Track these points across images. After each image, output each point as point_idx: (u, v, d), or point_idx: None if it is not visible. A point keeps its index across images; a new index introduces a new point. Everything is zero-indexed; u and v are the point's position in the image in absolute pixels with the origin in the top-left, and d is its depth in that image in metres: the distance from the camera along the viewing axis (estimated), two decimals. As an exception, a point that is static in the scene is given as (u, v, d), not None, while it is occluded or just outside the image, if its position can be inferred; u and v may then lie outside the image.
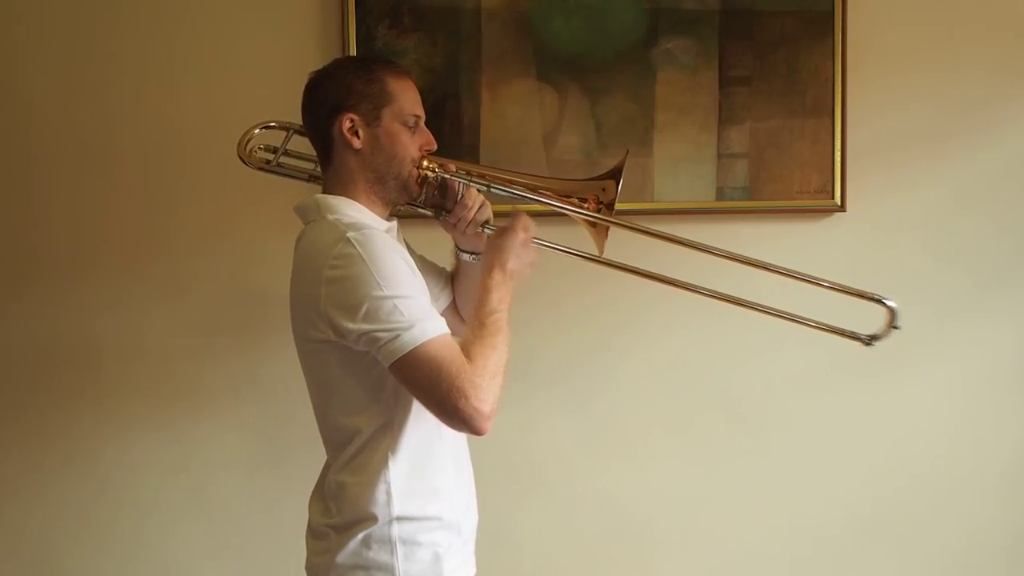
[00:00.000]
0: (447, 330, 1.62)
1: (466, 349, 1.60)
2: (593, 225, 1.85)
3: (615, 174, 1.83)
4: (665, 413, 2.62)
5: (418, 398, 1.62)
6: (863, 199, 2.58)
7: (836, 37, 2.54)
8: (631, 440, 2.61)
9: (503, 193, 1.83)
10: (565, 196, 1.84)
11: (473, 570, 1.83)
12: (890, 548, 2.69)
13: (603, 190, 1.83)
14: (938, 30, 2.60)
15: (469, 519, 1.82)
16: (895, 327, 1.90)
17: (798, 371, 2.62)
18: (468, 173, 1.81)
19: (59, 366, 2.45)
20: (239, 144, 1.98)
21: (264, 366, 2.48)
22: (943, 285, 2.63)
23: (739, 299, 2.00)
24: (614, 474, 2.62)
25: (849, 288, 1.92)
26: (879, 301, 1.90)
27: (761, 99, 2.54)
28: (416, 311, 1.58)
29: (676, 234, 1.89)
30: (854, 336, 1.96)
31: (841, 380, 2.63)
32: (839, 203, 2.56)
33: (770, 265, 1.92)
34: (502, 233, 1.78)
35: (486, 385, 1.57)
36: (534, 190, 1.85)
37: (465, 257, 1.91)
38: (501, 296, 1.70)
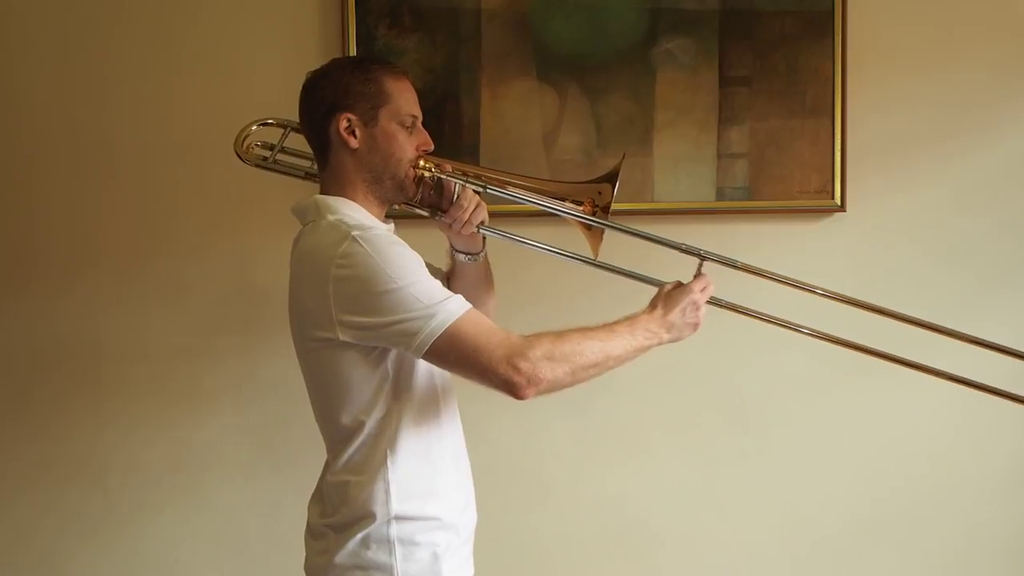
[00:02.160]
0: (469, 304, 1.62)
1: (550, 331, 1.62)
2: (588, 228, 1.84)
3: (611, 178, 1.82)
4: (666, 414, 2.62)
5: (461, 375, 1.63)
6: (863, 199, 2.58)
7: (836, 37, 2.53)
8: (631, 441, 2.61)
9: (499, 194, 1.83)
10: (561, 198, 1.85)
11: (471, 570, 1.83)
12: (890, 548, 2.69)
13: (599, 193, 1.83)
14: (938, 30, 2.60)
15: (468, 519, 1.82)
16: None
17: (798, 372, 2.62)
18: (464, 173, 1.81)
19: (59, 366, 2.46)
20: (236, 140, 1.98)
21: (265, 366, 2.48)
22: (943, 285, 2.62)
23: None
24: (614, 474, 2.62)
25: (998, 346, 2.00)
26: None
27: (761, 99, 2.54)
28: (433, 294, 1.59)
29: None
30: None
31: (841, 380, 2.62)
32: (839, 203, 2.56)
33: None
34: (679, 286, 1.79)
35: (533, 356, 1.57)
36: (530, 191, 1.85)
37: (460, 257, 1.91)
38: (636, 330, 1.70)
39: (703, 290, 1.78)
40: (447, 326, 1.57)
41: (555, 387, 1.60)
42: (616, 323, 1.70)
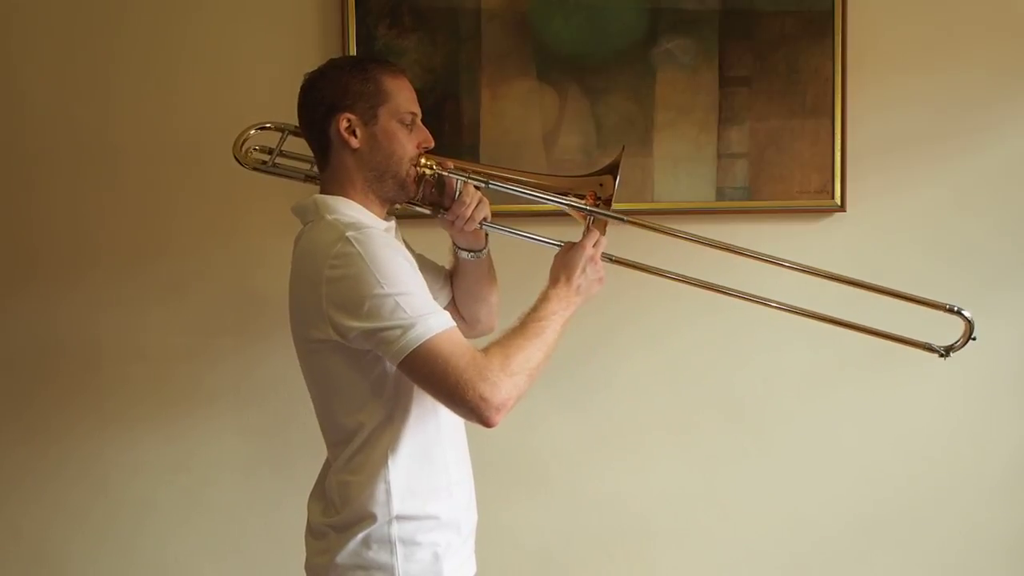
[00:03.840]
0: (452, 323, 1.62)
1: (494, 344, 1.62)
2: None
3: (612, 169, 1.82)
4: (666, 412, 2.62)
5: (428, 393, 1.62)
6: (863, 199, 2.58)
7: (836, 37, 2.53)
8: (632, 439, 2.61)
9: (501, 190, 1.83)
10: (563, 193, 1.85)
11: (473, 569, 1.84)
12: (890, 548, 2.68)
13: (600, 186, 1.83)
14: (938, 30, 2.60)
15: (469, 518, 1.82)
16: (973, 338, 1.89)
17: (799, 370, 2.63)
18: (465, 170, 1.81)
19: (59, 366, 2.46)
20: (235, 144, 1.99)
21: (264, 367, 2.48)
22: (943, 285, 2.60)
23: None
24: (615, 473, 2.62)
25: (921, 299, 1.92)
26: (957, 313, 1.89)
27: (761, 99, 2.54)
28: (418, 307, 1.58)
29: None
30: (929, 348, 1.94)
31: (841, 379, 2.63)
32: (839, 203, 2.56)
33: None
34: (570, 247, 1.79)
35: (496, 378, 1.56)
36: (532, 187, 1.85)
37: (463, 255, 1.91)
38: (556, 308, 1.71)
39: (595, 244, 1.79)
40: (423, 340, 1.56)
41: (517, 401, 1.61)
42: (537, 310, 1.70)
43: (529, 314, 1.70)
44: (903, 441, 2.68)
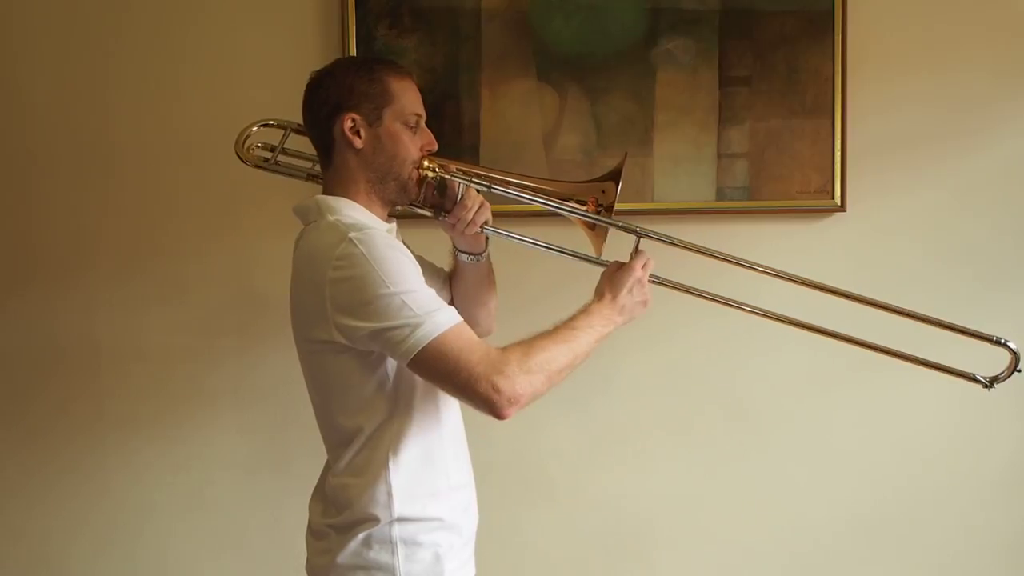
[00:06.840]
0: (460, 318, 1.62)
1: (516, 342, 1.62)
2: (592, 228, 1.85)
3: (614, 176, 1.82)
4: (666, 413, 2.62)
5: (442, 389, 1.63)
6: (863, 199, 2.58)
7: (836, 37, 2.53)
8: (632, 440, 2.61)
9: (503, 194, 1.83)
10: (564, 198, 1.85)
11: (473, 571, 1.83)
12: (890, 548, 2.69)
13: (603, 192, 1.83)
14: (938, 30, 2.60)
15: (469, 520, 1.82)
16: (1018, 370, 1.90)
17: (798, 371, 2.62)
18: (467, 174, 1.81)
19: (59, 367, 2.46)
20: (237, 141, 1.98)
21: (264, 367, 2.48)
22: (943, 285, 2.62)
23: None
24: (615, 474, 2.62)
25: (967, 329, 1.93)
26: (1003, 344, 1.89)
27: (761, 99, 2.54)
28: (425, 304, 1.59)
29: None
30: (973, 379, 1.95)
31: (841, 380, 2.63)
32: (839, 203, 2.56)
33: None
34: (620, 267, 1.79)
35: (511, 372, 1.57)
36: (534, 191, 1.85)
37: (463, 258, 1.90)
38: (594, 322, 1.71)
39: (644, 267, 1.79)
40: (432, 338, 1.56)
41: (533, 399, 1.60)
42: (574, 319, 1.70)
43: (565, 322, 1.70)
44: (902, 442, 2.68)
